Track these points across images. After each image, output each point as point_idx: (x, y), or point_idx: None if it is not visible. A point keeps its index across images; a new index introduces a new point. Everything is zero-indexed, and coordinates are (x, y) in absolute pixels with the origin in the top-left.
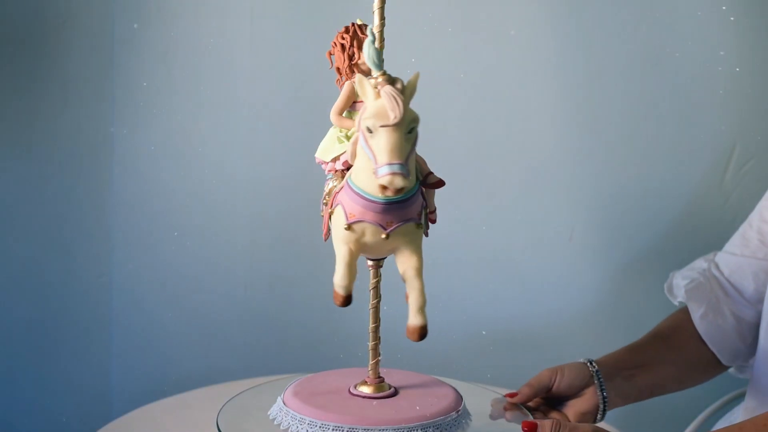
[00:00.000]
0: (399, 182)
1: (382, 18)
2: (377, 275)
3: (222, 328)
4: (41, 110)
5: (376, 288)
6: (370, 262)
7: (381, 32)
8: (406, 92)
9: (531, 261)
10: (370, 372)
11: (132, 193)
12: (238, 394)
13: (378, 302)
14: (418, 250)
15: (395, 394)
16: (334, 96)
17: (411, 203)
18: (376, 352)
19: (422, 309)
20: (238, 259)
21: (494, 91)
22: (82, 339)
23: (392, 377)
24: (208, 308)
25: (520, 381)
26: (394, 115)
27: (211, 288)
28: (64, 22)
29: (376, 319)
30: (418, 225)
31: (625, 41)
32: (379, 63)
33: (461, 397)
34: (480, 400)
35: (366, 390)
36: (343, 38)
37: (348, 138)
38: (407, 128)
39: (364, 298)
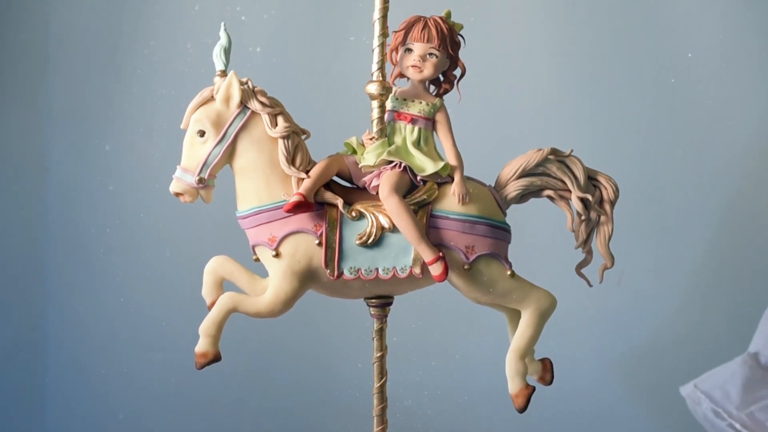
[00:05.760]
0: (171, 186)
1: (384, 7)
2: (382, 322)
3: (182, 396)
4: None
5: (381, 337)
6: (372, 310)
7: (384, 18)
8: (197, 98)
9: (571, 312)
10: None
11: (70, 228)
12: None
13: (384, 355)
14: (271, 280)
15: None
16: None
17: (248, 221)
18: (382, 419)
19: None
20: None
21: (529, 111)
22: (10, 407)
23: None
24: (163, 370)
25: None
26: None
27: (168, 346)
28: None
29: (382, 376)
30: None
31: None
32: (218, 62)
33: None
34: None
35: None
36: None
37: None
38: (194, 130)
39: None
